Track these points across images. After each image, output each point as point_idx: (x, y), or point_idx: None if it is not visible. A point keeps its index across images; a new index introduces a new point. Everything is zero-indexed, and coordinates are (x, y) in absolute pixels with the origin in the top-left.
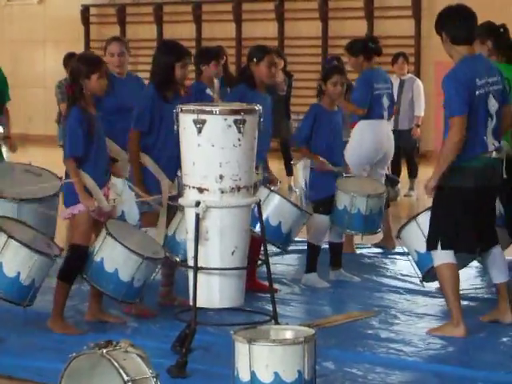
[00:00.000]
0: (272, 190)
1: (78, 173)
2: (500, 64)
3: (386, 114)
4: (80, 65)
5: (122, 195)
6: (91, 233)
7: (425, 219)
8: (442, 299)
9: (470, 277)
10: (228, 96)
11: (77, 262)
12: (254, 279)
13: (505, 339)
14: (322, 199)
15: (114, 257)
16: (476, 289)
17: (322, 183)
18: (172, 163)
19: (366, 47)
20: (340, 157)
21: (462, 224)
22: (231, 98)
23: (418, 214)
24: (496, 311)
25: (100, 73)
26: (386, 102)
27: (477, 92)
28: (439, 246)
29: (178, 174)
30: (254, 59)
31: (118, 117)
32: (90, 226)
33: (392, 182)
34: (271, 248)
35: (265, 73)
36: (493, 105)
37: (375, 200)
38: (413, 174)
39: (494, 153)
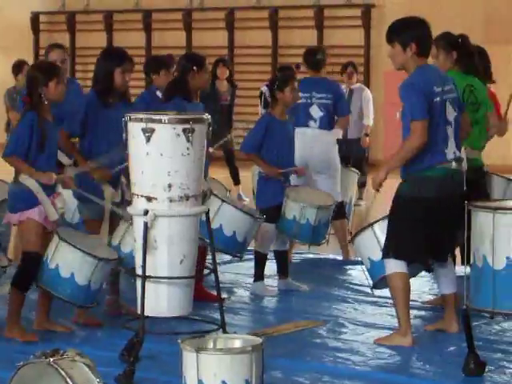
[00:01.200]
0: (224, 201)
1: (26, 165)
2: (457, 73)
3: (313, 122)
4: (37, 73)
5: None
6: (41, 239)
7: (381, 227)
8: (390, 309)
9: (417, 286)
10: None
11: (30, 270)
12: (201, 288)
13: (452, 348)
14: (269, 207)
15: (69, 261)
16: (423, 298)
17: (269, 191)
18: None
19: (305, 58)
20: (290, 166)
21: (418, 235)
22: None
23: (375, 222)
24: (442, 321)
25: (57, 79)
26: (315, 111)
27: (434, 99)
28: (394, 255)
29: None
30: (195, 68)
31: (59, 123)
32: (40, 231)
33: None
34: (220, 257)
35: (204, 81)
36: (450, 113)
37: (324, 211)
38: (363, 184)
39: (454, 163)
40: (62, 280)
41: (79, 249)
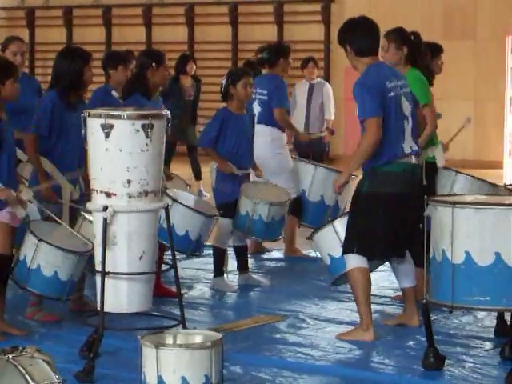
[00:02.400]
0: (175, 200)
1: None
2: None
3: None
4: None
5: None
6: (10, 240)
7: (341, 224)
8: (351, 304)
9: (377, 281)
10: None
11: (2, 273)
12: (159, 284)
13: (411, 343)
14: (226, 203)
15: (50, 260)
16: (383, 292)
17: (227, 187)
18: (74, 168)
19: None
20: (248, 161)
21: (379, 230)
22: None
23: (335, 218)
24: (403, 315)
25: (14, 78)
26: (256, 107)
27: (389, 95)
28: (355, 251)
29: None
30: (154, 64)
31: (14, 118)
32: (9, 232)
33: None
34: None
35: (164, 77)
36: (407, 107)
37: (277, 208)
38: None
39: (413, 158)
40: (45, 279)
41: (60, 248)
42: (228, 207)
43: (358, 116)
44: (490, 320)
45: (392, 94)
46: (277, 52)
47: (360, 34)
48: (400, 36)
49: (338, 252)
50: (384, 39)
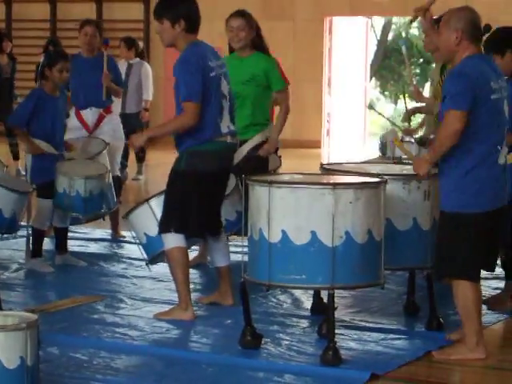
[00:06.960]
0: None
1: None
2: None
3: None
4: None
5: None
6: None
7: (157, 203)
8: (169, 283)
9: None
10: None
11: None
12: None
13: (229, 321)
14: (43, 183)
15: None
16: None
17: (42, 167)
18: None
19: None
20: (61, 141)
21: (195, 208)
22: None
23: (151, 197)
24: (217, 294)
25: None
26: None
27: (211, 74)
28: (172, 230)
29: None
30: None
31: None
32: None
33: (122, 165)
34: None
35: None
36: (225, 86)
37: (95, 181)
38: (141, 159)
39: (229, 137)
40: None
41: None
42: (46, 187)
43: (175, 93)
44: (306, 298)
45: (213, 73)
46: None
47: (195, 10)
48: (251, 18)
49: (153, 231)
50: (241, 19)
